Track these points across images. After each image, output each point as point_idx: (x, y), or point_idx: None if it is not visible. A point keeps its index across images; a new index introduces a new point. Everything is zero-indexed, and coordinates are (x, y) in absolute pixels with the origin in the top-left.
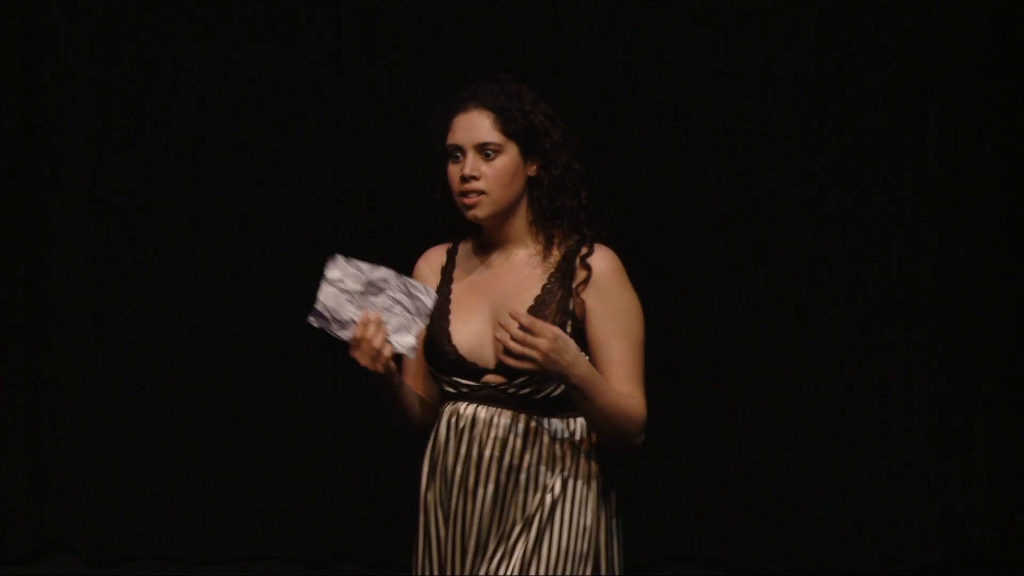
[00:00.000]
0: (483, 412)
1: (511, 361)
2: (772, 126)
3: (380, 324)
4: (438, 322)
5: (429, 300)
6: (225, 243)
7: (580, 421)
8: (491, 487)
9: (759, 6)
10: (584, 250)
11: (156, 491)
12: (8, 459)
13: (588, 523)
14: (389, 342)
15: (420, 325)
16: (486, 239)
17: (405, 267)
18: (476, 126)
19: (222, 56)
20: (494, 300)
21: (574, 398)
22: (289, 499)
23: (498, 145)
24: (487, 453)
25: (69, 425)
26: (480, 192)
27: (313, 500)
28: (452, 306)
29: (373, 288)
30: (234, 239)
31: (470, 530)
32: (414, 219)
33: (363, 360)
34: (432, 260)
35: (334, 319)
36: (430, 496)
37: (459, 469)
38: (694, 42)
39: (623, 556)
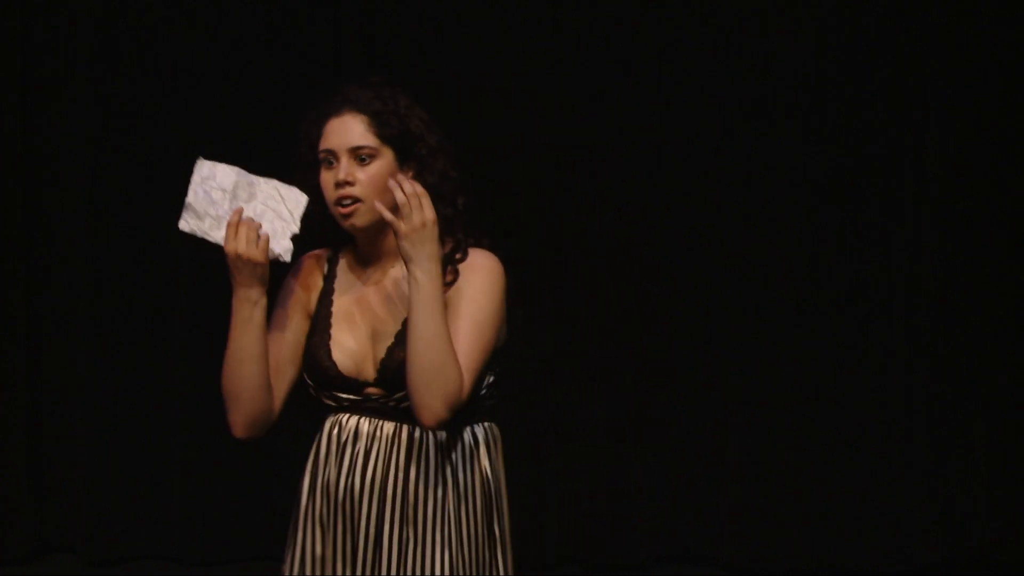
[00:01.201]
0: (366, 424)
1: (388, 215)
2: (772, 126)
3: (252, 224)
4: (318, 336)
5: (301, 204)
6: None
7: (476, 430)
8: (376, 501)
9: (759, 6)
10: (458, 256)
11: (156, 491)
12: (8, 459)
13: (478, 532)
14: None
15: (294, 229)
16: (363, 249)
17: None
18: (350, 130)
19: (222, 56)
20: (374, 314)
21: (412, 297)
22: (289, 499)
23: (373, 150)
24: (370, 466)
25: (69, 425)
26: (356, 199)
27: None
28: (332, 319)
29: (243, 192)
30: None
31: (356, 546)
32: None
33: (241, 247)
34: (313, 267)
35: (208, 215)
36: (310, 511)
37: (343, 483)
38: (694, 42)
39: (515, 560)
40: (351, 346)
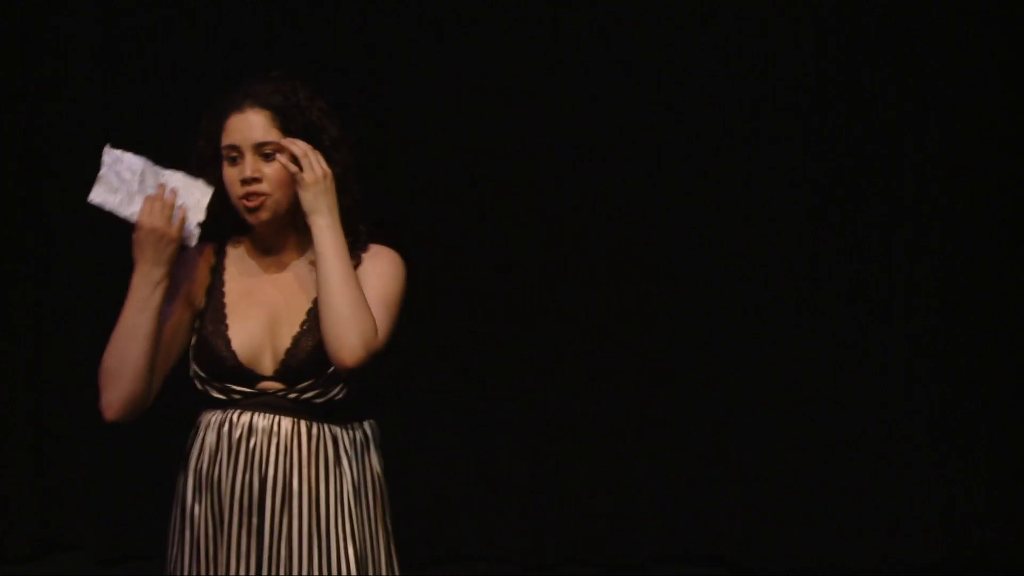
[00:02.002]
0: (261, 420)
1: (292, 167)
2: (772, 126)
3: (172, 192)
4: (213, 326)
5: (207, 194)
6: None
7: (364, 427)
8: (280, 498)
9: (759, 6)
10: (360, 249)
11: (158, 490)
12: (12, 457)
13: (375, 526)
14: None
15: (200, 217)
16: (260, 240)
17: None
18: (253, 126)
19: (221, 56)
20: (271, 305)
21: (320, 246)
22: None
23: (277, 144)
24: (271, 462)
25: (71, 423)
26: (262, 194)
27: None
28: (227, 310)
29: (151, 179)
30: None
31: (261, 544)
32: (412, 219)
33: (157, 220)
34: (198, 259)
35: (120, 191)
36: (198, 510)
37: (239, 480)
38: (694, 42)
39: (400, 557)
40: (248, 337)
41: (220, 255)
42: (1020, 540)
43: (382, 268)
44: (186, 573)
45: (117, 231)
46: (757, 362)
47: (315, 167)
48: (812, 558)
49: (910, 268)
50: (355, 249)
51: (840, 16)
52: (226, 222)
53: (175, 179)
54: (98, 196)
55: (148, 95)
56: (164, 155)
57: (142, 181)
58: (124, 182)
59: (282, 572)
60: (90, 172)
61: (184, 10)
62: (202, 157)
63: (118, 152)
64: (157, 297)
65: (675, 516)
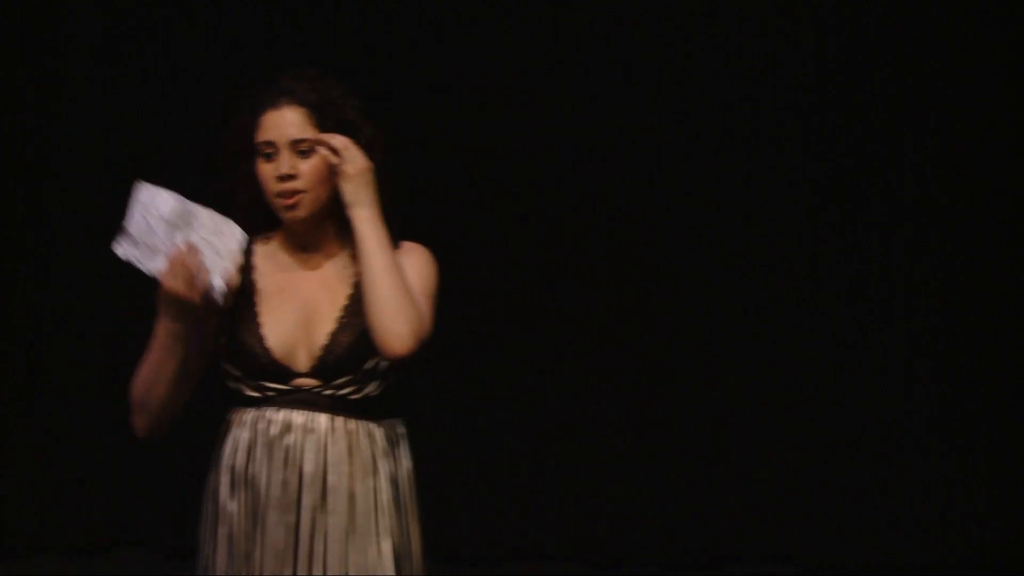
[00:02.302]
0: (298, 417)
1: (333, 158)
2: (772, 126)
3: (195, 251)
4: (245, 325)
5: (238, 241)
6: None
7: (397, 423)
8: (316, 495)
9: (759, 6)
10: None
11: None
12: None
13: (412, 524)
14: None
15: (228, 267)
16: (291, 237)
17: None
18: (290, 123)
19: (222, 56)
20: (305, 300)
21: (362, 238)
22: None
23: (313, 142)
24: (308, 459)
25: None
26: (299, 191)
27: None
28: (260, 307)
29: (182, 221)
30: None
31: (298, 541)
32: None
33: (179, 286)
34: None
35: (144, 243)
36: (233, 507)
37: (275, 477)
38: (694, 42)
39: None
40: (282, 334)
41: (248, 253)
42: (1020, 540)
43: (418, 263)
44: (220, 570)
45: (115, 230)
46: (757, 362)
47: (357, 159)
48: (812, 558)
49: (910, 268)
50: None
51: (840, 16)
52: (257, 217)
53: (206, 223)
54: (122, 250)
55: (148, 95)
56: (163, 155)
57: (171, 229)
58: (151, 231)
59: (318, 569)
60: (89, 172)
61: (184, 10)
62: (230, 153)
63: (150, 191)
64: (181, 346)
65: (675, 516)
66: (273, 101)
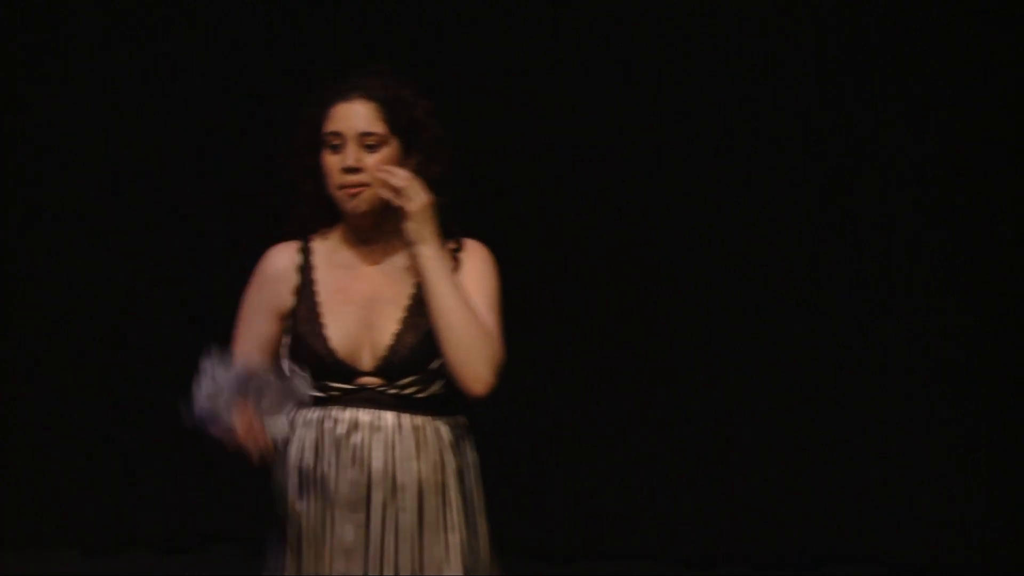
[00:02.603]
0: (365, 416)
1: (394, 198)
2: (772, 126)
3: (256, 417)
4: (308, 325)
5: (304, 384)
6: (231, 242)
7: (459, 420)
8: (386, 493)
9: (759, 6)
10: (453, 245)
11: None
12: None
13: (479, 518)
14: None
15: (291, 407)
16: (351, 233)
17: None
18: (359, 116)
19: (222, 56)
20: (367, 299)
21: (428, 275)
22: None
23: (381, 137)
24: (376, 457)
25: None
26: (363, 184)
27: None
28: (322, 308)
29: (246, 378)
30: (231, 239)
31: (368, 539)
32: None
33: (248, 450)
34: (284, 259)
35: (212, 414)
36: (302, 507)
37: (344, 476)
38: (694, 42)
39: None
40: (346, 334)
41: (306, 252)
42: (1020, 540)
43: (480, 269)
44: (290, 570)
45: (115, 230)
46: (757, 362)
47: (417, 197)
48: (813, 557)
49: (910, 268)
50: (452, 250)
51: (840, 16)
52: (319, 211)
53: (272, 385)
54: (193, 419)
55: (148, 95)
56: (163, 156)
57: (237, 391)
58: (218, 397)
59: (389, 566)
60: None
61: (184, 10)
62: (298, 144)
63: (216, 357)
64: (268, 459)
65: (676, 514)
66: (344, 94)
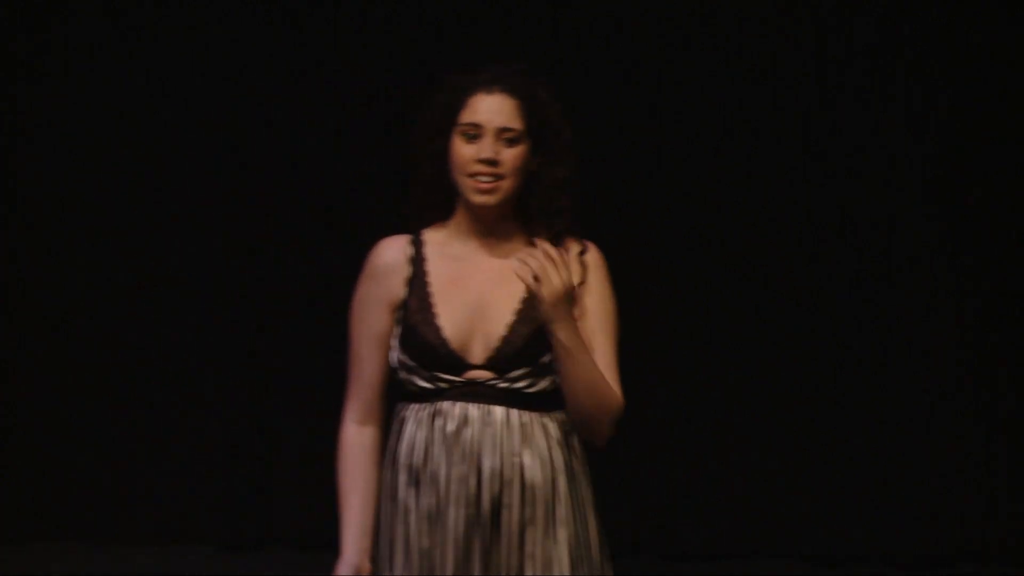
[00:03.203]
0: (474, 410)
1: (532, 284)
2: (772, 126)
3: None
4: (421, 315)
5: None
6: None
7: (562, 417)
8: (495, 488)
9: (760, 6)
10: (578, 247)
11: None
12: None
13: (588, 512)
14: None
15: None
16: (465, 227)
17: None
18: (501, 110)
19: (220, 56)
20: (479, 291)
21: (562, 355)
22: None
23: (519, 134)
24: (487, 452)
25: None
26: (498, 177)
27: None
28: (434, 298)
29: None
30: (231, 239)
31: (471, 535)
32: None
33: None
34: (396, 252)
35: None
36: (413, 504)
37: (455, 472)
38: (695, 42)
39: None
40: (458, 325)
41: (417, 244)
42: (1020, 540)
43: (604, 292)
44: (400, 569)
45: (115, 230)
46: (757, 362)
47: (555, 280)
48: (814, 557)
49: (910, 268)
50: (561, 248)
51: (840, 16)
52: (434, 197)
53: None
54: None
55: (148, 95)
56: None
57: None
58: None
59: (499, 563)
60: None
61: (183, 11)
62: (427, 127)
63: None
64: None
65: (677, 513)
66: (486, 86)
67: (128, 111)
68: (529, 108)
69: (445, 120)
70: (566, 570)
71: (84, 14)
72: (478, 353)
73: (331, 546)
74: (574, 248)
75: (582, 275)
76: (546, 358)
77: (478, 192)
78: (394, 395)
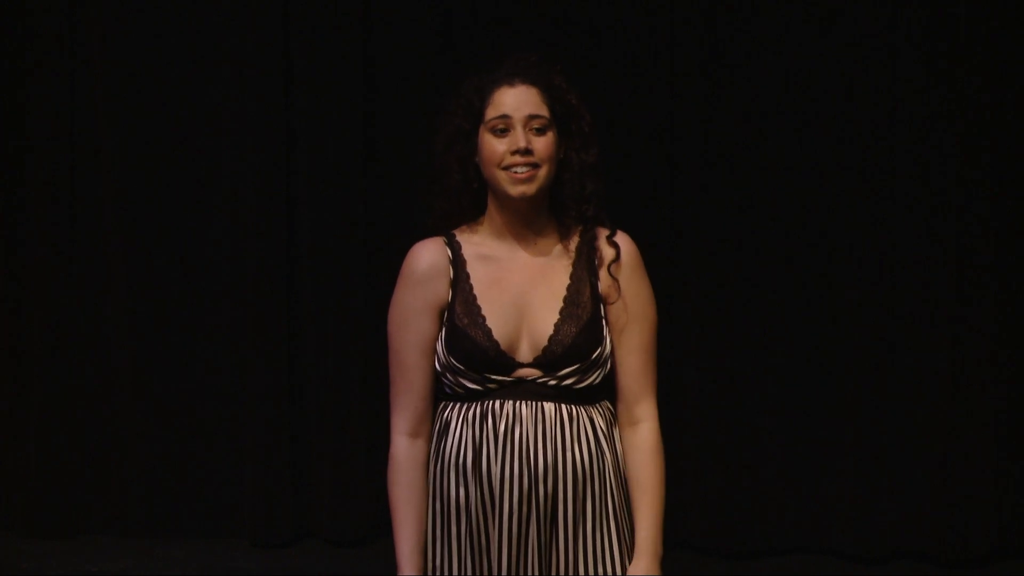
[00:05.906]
0: (524, 408)
1: None
2: (775, 126)
3: None
4: (468, 318)
5: None
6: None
7: (609, 407)
8: (550, 483)
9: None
10: (607, 232)
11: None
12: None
13: (628, 501)
14: None
15: None
16: (498, 226)
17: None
18: (527, 100)
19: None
20: (522, 289)
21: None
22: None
23: (547, 121)
24: (539, 449)
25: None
26: (534, 165)
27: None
28: (479, 300)
29: None
30: (231, 239)
31: (527, 531)
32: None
33: None
34: (433, 255)
35: None
36: (466, 503)
37: (508, 470)
38: (697, 42)
39: None
40: (505, 325)
41: (454, 246)
42: (1020, 540)
43: (637, 286)
44: (455, 568)
45: (115, 230)
46: (762, 362)
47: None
48: (815, 557)
49: (912, 268)
50: (595, 236)
51: (842, 16)
52: (463, 201)
53: None
54: None
55: (148, 94)
56: (163, 156)
57: None
58: None
59: (554, 558)
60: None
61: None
62: (451, 131)
63: None
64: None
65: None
66: (507, 79)
67: (127, 111)
68: (552, 95)
69: (470, 121)
70: (618, 562)
71: (86, 14)
72: (526, 352)
73: (364, 542)
74: (603, 234)
75: (615, 259)
76: (595, 354)
77: (516, 183)
78: (441, 396)
